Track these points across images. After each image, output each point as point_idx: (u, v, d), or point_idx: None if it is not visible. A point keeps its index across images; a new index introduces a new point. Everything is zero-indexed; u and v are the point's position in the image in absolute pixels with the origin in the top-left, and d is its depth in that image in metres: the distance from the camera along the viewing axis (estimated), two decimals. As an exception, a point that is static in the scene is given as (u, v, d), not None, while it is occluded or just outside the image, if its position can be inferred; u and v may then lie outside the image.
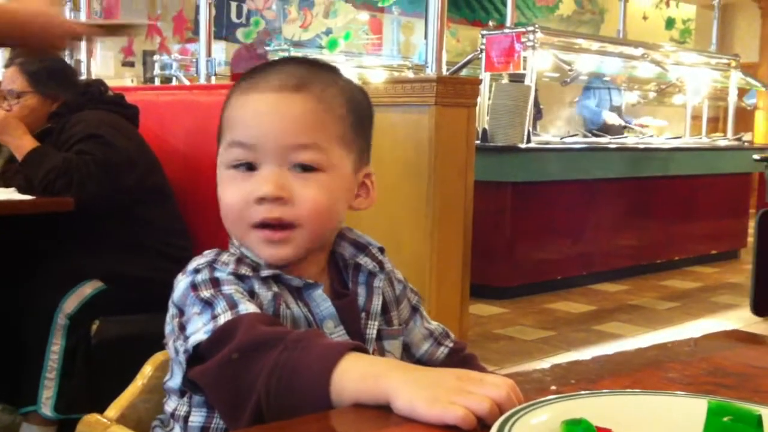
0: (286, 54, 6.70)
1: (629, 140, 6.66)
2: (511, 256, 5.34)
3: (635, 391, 0.77)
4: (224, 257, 0.95)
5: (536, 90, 5.88)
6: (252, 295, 0.92)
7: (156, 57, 7.86)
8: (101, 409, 1.00)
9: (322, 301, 0.97)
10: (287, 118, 0.96)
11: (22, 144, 2.50)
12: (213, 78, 3.95)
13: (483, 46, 5.53)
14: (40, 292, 2.42)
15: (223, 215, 0.98)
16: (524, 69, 5.39)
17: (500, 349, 4.09)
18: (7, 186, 2.56)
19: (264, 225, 0.94)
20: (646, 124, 8.00)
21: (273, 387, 0.78)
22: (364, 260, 1.03)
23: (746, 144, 7.60)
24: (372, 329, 1.01)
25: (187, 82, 6.42)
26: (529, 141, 5.25)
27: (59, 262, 2.49)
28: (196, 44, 4.63)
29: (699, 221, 6.81)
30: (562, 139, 6.09)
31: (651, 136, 7.23)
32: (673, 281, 6.12)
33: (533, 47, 5.35)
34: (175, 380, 0.95)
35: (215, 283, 0.91)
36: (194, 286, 0.91)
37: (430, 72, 3.09)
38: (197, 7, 4.28)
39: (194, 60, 5.46)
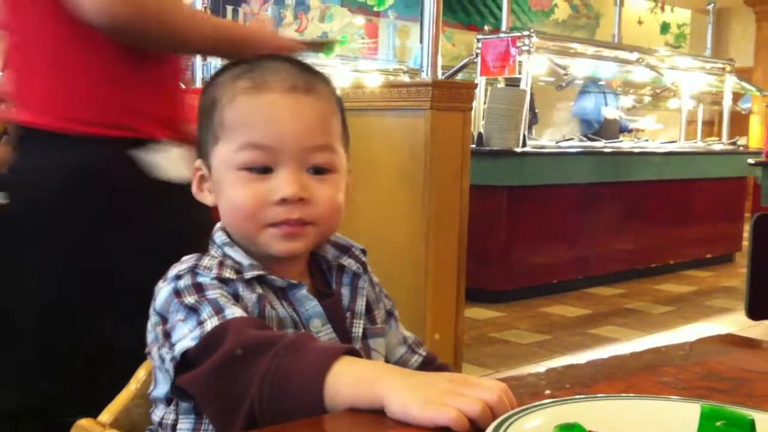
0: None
1: (624, 144, 6.68)
2: (506, 259, 5.35)
3: (629, 395, 0.77)
4: (205, 261, 0.94)
5: (532, 94, 5.89)
6: (236, 298, 0.92)
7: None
8: (95, 414, 1.00)
9: (307, 301, 0.97)
10: (305, 120, 0.96)
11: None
12: (208, 82, 3.95)
13: (478, 51, 5.54)
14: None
15: (229, 214, 0.98)
16: (519, 73, 5.40)
17: (495, 353, 4.10)
18: None
19: (281, 225, 0.95)
20: (642, 127, 8.01)
21: (266, 392, 0.77)
22: (348, 261, 1.04)
23: (741, 148, 7.62)
24: (358, 328, 1.02)
25: (182, 86, 6.41)
26: (524, 145, 5.26)
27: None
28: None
29: (694, 225, 6.82)
30: (557, 143, 6.10)
31: (646, 140, 7.24)
32: (668, 285, 6.12)
33: (528, 51, 5.37)
34: (160, 389, 0.94)
35: (198, 288, 0.90)
36: (177, 293, 0.90)
37: (426, 76, 3.10)
38: (193, 11, 4.28)
39: (190, 64, 5.45)
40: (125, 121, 1.49)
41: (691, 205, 6.78)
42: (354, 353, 0.80)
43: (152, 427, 0.98)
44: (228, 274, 0.93)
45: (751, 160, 5.11)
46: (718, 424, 0.66)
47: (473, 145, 4.58)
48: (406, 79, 7.47)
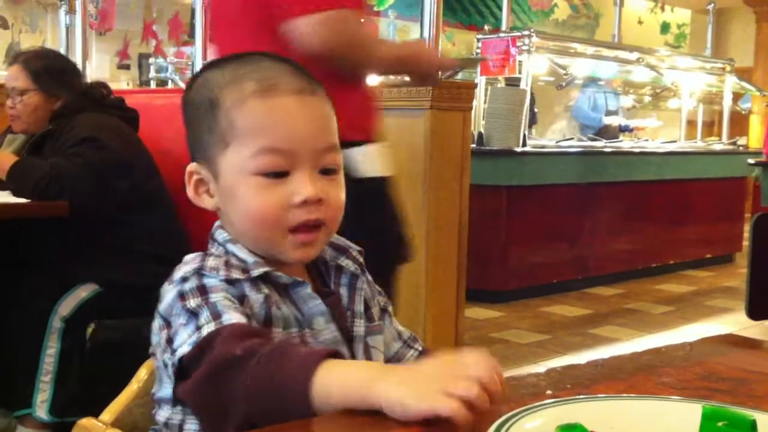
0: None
1: (624, 144, 6.67)
2: (506, 259, 5.34)
3: (630, 395, 0.77)
4: (211, 262, 0.93)
5: (532, 94, 5.89)
6: (242, 299, 0.91)
7: (151, 60, 7.86)
8: (96, 413, 1.00)
9: (310, 299, 0.97)
10: (317, 122, 0.97)
11: (1, 160, 2.49)
12: (209, 81, 3.94)
13: (478, 50, 5.54)
14: (35, 295, 2.41)
15: (246, 221, 0.96)
16: (520, 73, 5.40)
17: (495, 353, 4.09)
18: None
19: (301, 227, 0.95)
20: (643, 126, 8.01)
21: (256, 402, 0.78)
22: (346, 262, 1.04)
23: (741, 148, 7.61)
24: (359, 327, 1.02)
25: (182, 86, 6.41)
26: (524, 145, 5.26)
27: (55, 265, 2.49)
28: (192, 47, 4.63)
29: (694, 225, 6.82)
30: (557, 143, 6.10)
31: (646, 140, 7.24)
32: (668, 285, 6.12)
33: (528, 51, 5.36)
34: (165, 390, 0.93)
35: (203, 290, 0.90)
36: (182, 296, 0.90)
37: (426, 76, 3.09)
38: (193, 11, 4.28)
39: (190, 63, 5.46)
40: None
41: (691, 205, 6.78)
42: (337, 356, 0.80)
43: (156, 427, 0.97)
44: (235, 274, 0.93)
45: (751, 160, 5.11)
46: (720, 424, 0.66)
47: (473, 145, 4.57)
48: (406, 78, 7.46)
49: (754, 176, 4.93)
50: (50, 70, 2.68)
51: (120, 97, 2.76)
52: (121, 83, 8.09)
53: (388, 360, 1.09)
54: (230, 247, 0.97)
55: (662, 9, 10.63)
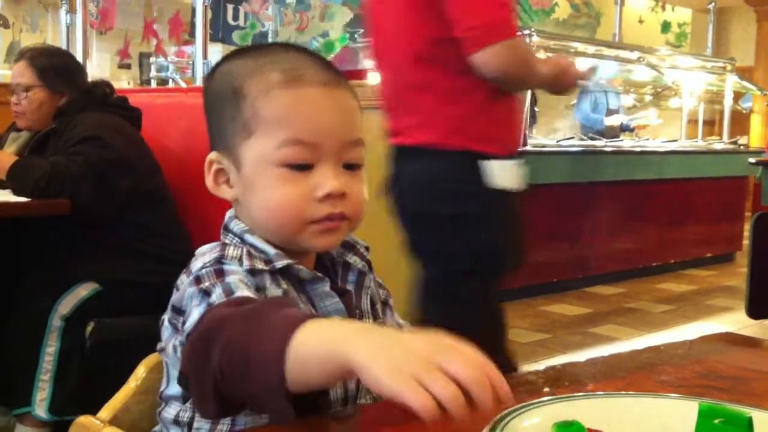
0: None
1: (625, 143, 6.67)
2: (506, 258, 5.33)
3: (628, 393, 0.77)
4: (231, 251, 0.91)
5: (533, 93, 5.89)
6: (261, 290, 0.89)
7: (152, 59, 7.85)
8: (95, 411, 1.00)
9: (327, 297, 0.95)
10: (343, 115, 0.96)
11: (1, 160, 2.50)
12: (209, 80, 3.94)
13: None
14: (35, 294, 2.42)
15: (268, 213, 0.94)
16: (520, 72, 5.39)
17: (496, 352, 4.09)
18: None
19: (324, 220, 0.94)
20: (644, 124, 8.00)
21: (226, 363, 0.74)
22: (353, 259, 1.02)
23: (742, 147, 7.61)
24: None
25: (183, 85, 6.41)
26: (525, 144, 5.25)
27: (55, 264, 2.49)
28: (193, 47, 4.63)
29: (694, 224, 6.81)
30: (558, 142, 6.10)
31: (647, 139, 7.23)
32: (668, 284, 6.12)
33: (529, 50, 5.36)
34: (174, 387, 0.92)
35: (219, 273, 0.87)
36: (197, 279, 0.87)
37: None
38: (193, 10, 4.28)
39: (190, 62, 5.46)
40: (480, 140, 2.02)
41: (691, 205, 6.77)
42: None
43: (157, 428, 0.97)
44: (258, 265, 0.91)
45: (751, 160, 5.10)
46: (716, 421, 0.66)
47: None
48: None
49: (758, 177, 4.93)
50: (56, 67, 2.68)
51: (123, 96, 2.77)
52: (121, 82, 8.09)
53: None
54: (248, 237, 0.95)
55: (663, 8, 10.62)
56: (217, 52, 6.82)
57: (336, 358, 0.67)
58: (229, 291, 0.84)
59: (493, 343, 1.95)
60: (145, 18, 7.41)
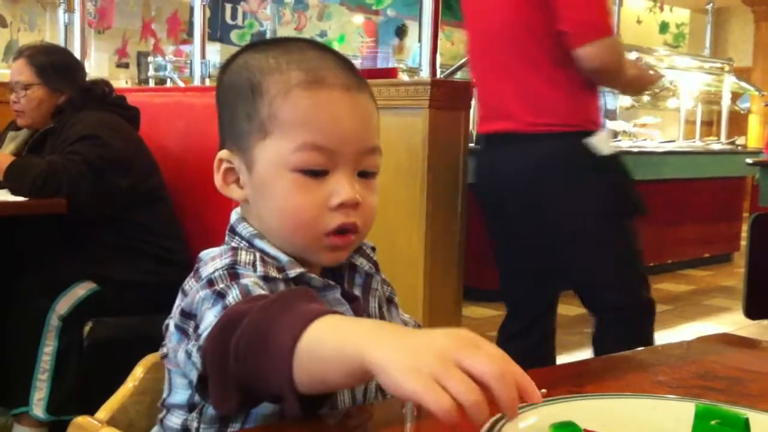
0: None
1: (623, 144, 6.67)
2: (504, 258, 5.33)
3: (624, 394, 0.77)
4: (244, 257, 0.88)
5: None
6: None
7: (150, 58, 7.84)
8: (93, 411, 1.00)
9: (338, 304, 0.91)
10: (363, 121, 0.92)
11: None
12: (207, 80, 3.94)
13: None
14: (33, 293, 2.41)
15: (280, 219, 0.91)
16: (518, 72, 5.39)
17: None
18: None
19: (339, 231, 0.90)
20: (643, 123, 8.00)
21: (241, 348, 0.71)
22: (360, 261, 0.99)
23: (740, 148, 7.62)
24: None
25: (181, 84, 6.40)
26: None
27: (53, 263, 2.49)
28: (191, 46, 4.62)
29: (692, 225, 6.82)
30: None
31: (644, 140, 7.24)
32: (666, 284, 6.12)
33: (527, 50, 5.35)
34: (178, 395, 0.90)
35: (234, 276, 0.84)
36: (210, 282, 0.84)
37: (424, 75, 3.09)
38: (191, 9, 4.28)
39: (188, 62, 5.45)
40: (580, 121, 2.34)
41: (689, 205, 6.78)
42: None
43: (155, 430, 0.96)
44: (272, 272, 0.88)
45: (749, 160, 5.10)
46: (713, 423, 0.66)
47: (472, 144, 4.57)
48: (404, 77, 7.47)
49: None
50: (55, 65, 2.68)
51: (121, 95, 2.76)
52: (119, 81, 8.08)
53: None
54: (258, 242, 0.92)
55: (661, 8, 10.60)
56: (215, 51, 6.83)
57: (353, 358, 0.65)
58: (246, 292, 0.81)
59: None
60: (143, 17, 7.40)
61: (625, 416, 0.71)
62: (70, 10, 4.51)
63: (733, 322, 4.71)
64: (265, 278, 0.86)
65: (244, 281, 0.83)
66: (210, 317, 0.80)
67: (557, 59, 2.29)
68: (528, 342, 2.58)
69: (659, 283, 6.13)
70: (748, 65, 11.29)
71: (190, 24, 4.95)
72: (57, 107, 2.64)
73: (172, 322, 0.88)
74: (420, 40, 3.16)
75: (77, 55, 3.83)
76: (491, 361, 0.60)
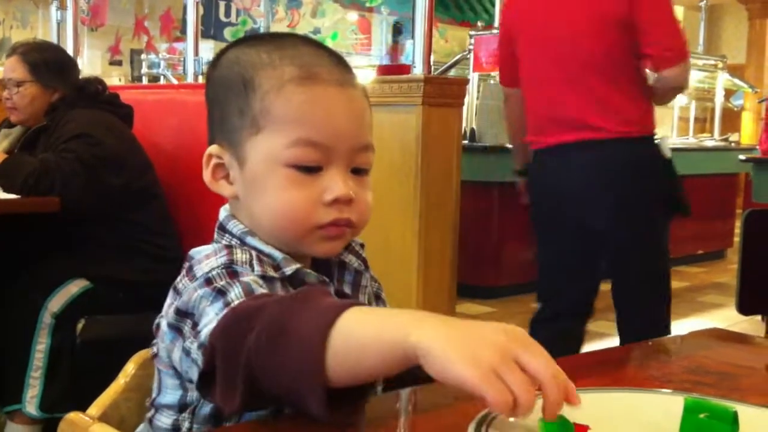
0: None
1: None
2: (498, 255, 5.35)
3: (614, 388, 0.77)
4: (239, 255, 0.86)
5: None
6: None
7: (143, 56, 7.84)
8: (86, 408, 1.00)
9: None
10: (357, 117, 0.91)
11: None
12: (200, 77, 3.94)
13: (471, 47, 5.53)
14: (25, 291, 2.41)
15: (273, 216, 0.90)
16: (512, 69, 5.40)
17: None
18: None
19: (330, 226, 0.90)
20: None
21: (263, 344, 0.70)
22: (349, 258, 0.98)
23: (733, 144, 7.63)
24: None
25: (174, 81, 6.40)
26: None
27: (46, 261, 2.48)
28: (184, 43, 4.62)
29: (686, 221, 6.79)
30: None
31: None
32: (659, 281, 6.12)
33: (521, 47, 5.36)
34: (168, 396, 0.89)
35: (233, 274, 0.83)
36: (208, 280, 0.83)
37: (418, 72, 3.10)
38: (185, 6, 4.27)
39: (182, 59, 5.45)
40: (650, 127, 2.64)
41: (682, 202, 6.78)
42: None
43: (142, 429, 0.95)
44: (270, 271, 0.86)
45: (742, 157, 5.11)
46: (701, 416, 0.67)
47: (465, 141, 4.58)
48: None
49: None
50: (48, 63, 2.67)
51: (115, 93, 2.76)
52: (112, 79, 8.06)
53: None
54: (250, 240, 0.91)
55: (655, 6, 10.63)
56: (208, 48, 6.81)
57: (394, 342, 0.64)
58: (249, 290, 0.80)
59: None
60: (136, 15, 7.40)
61: (614, 410, 0.71)
62: (62, 7, 4.50)
63: (727, 318, 4.72)
64: (264, 278, 0.85)
65: (245, 279, 0.82)
66: (211, 314, 0.79)
67: (632, 76, 2.57)
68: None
69: (653, 280, 6.14)
70: (742, 62, 11.31)
71: (183, 21, 4.94)
72: (50, 105, 2.64)
73: (164, 321, 0.87)
74: (413, 37, 3.16)
75: (70, 52, 3.82)
76: (546, 360, 0.62)
